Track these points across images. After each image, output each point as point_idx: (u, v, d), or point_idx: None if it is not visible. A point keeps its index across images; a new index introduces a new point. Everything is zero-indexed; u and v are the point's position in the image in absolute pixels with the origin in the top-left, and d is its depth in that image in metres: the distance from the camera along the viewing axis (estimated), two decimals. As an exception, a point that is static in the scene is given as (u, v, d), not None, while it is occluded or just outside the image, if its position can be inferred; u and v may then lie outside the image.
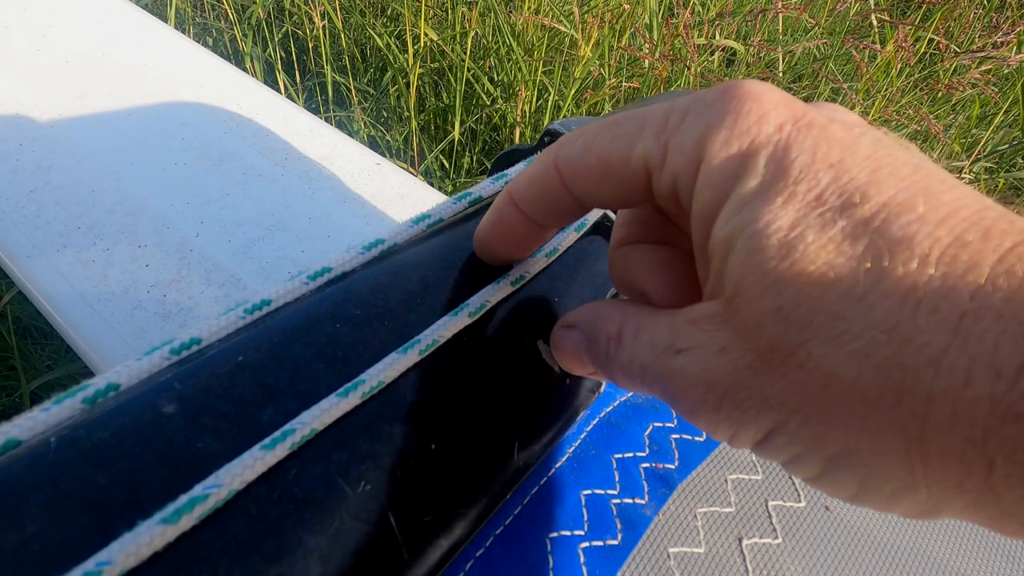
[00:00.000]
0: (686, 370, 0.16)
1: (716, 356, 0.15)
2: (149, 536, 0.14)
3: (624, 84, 1.17)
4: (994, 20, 1.46)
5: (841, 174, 0.14)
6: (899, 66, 1.13)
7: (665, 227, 0.20)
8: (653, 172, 0.17)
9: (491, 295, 0.22)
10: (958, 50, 1.22)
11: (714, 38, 1.23)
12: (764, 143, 0.15)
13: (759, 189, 0.15)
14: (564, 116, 1.17)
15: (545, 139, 0.29)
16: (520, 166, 0.28)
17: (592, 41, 1.08)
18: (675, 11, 1.21)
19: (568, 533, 0.21)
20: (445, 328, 0.21)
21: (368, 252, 0.22)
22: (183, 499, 0.14)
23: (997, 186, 1.25)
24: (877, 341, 0.13)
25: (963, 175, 1.12)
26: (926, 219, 0.13)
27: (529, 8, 1.21)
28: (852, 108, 1.19)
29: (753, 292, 0.14)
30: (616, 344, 0.18)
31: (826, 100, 1.35)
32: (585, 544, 0.21)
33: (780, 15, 1.31)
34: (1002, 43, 1.15)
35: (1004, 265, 0.12)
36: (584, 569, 0.20)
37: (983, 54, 1.10)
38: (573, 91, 1.13)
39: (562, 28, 1.09)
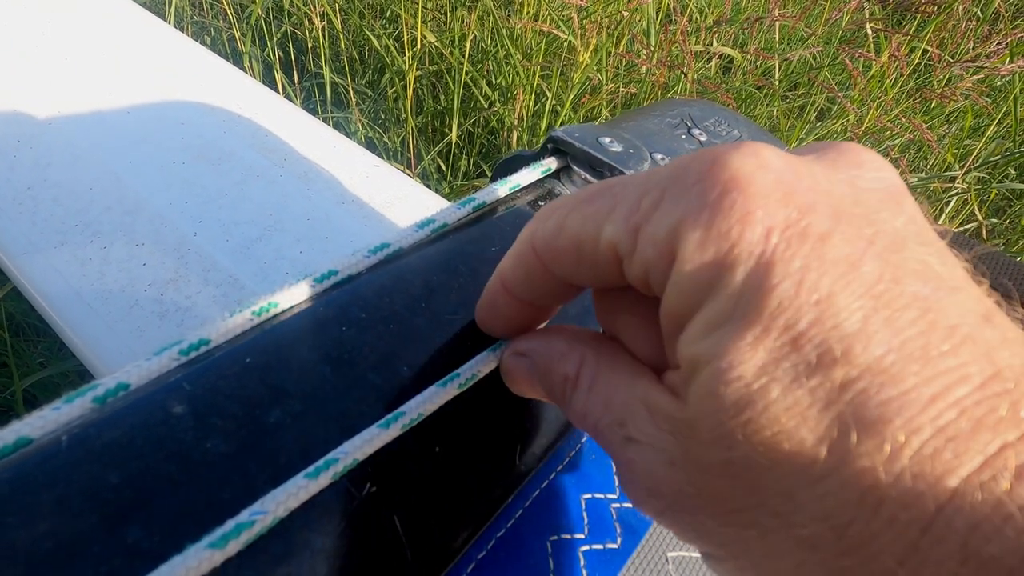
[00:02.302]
0: (633, 464, 0.15)
1: (664, 467, 0.14)
2: (197, 560, 0.14)
3: (622, 89, 1.17)
4: (986, 31, 1.47)
5: (826, 316, 0.12)
6: (893, 76, 1.14)
7: None
8: (623, 259, 0.15)
9: None
10: (951, 60, 1.23)
11: (711, 45, 1.24)
12: (744, 255, 0.12)
13: (731, 315, 0.12)
14: (561, 120, 1.17)
15: (548, 146, 0.30)
16: (523, 172, 0.28)
17: (591, 48, 1.08)
18: (673, 18, 1.22)
19: (569, 536, 0.21)
20: (484, 363, 0.20)
21: (374, 255, 0.22)
22: (230, 524, 0.15)
23: (989, 196, 1.26)
24: (825, 537, 0.11)
25: (956, 184, 1.13)
26: (911, 398, 0.11)
27: (528, 13, 1.22)
28: (847, 117, 1.20)
29: (706, 437, 0.13)
30: (572, 388, 0.17)
31: (821, 110, 1.36)
32: (585, 547, 0.21)
33: (777, 23, 1.32)
34: (994, 53, 1.16)
35: (983, 475, 0.11)
36: (584, 572, 0.21)
37: (976, 64, 1.11)
38: (571, 96, 1.14)
39: (560, 34, 1.10)
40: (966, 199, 1.19)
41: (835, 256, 0.12)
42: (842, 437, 0.11)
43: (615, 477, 0.23)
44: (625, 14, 1.13)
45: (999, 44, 1.20)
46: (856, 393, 0.11)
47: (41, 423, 0.15)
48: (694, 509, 0.14)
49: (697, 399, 0.13)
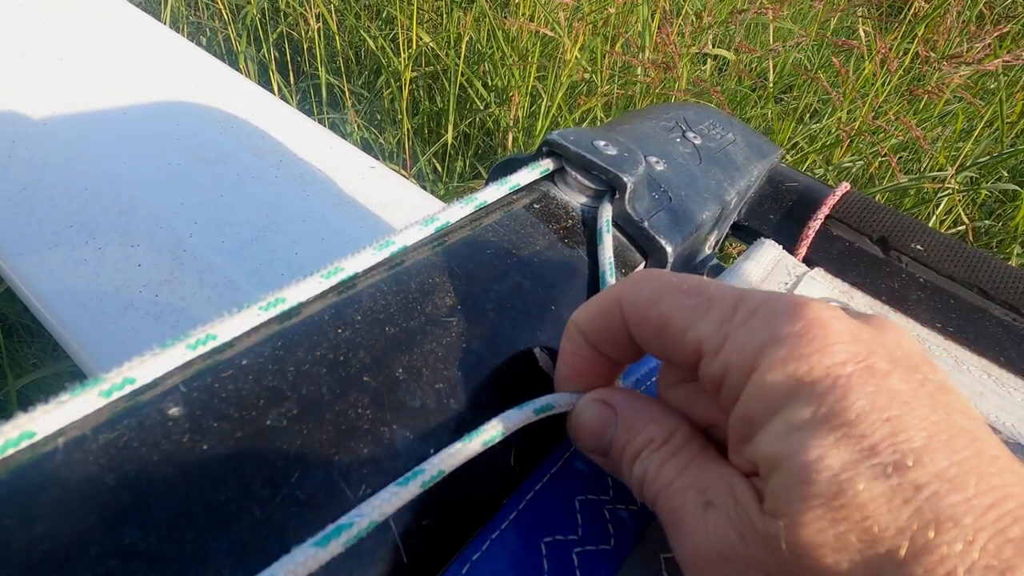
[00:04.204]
0: (709, 528, 0.16)
1: (736, 538, 0.16)
2: (304, 557, 0.15)
3: (616, 91, 1.18)
4: (973, 31, 1.48)
5: (898, 431, 0.14)
6: (883, 77, 1.15)
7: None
8: (705, 355, 0.17)
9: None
10: (941, 57, 1.24)
11: (705, 45, 1.24)
12: (823, 376, 0.15)
13: (812, 420, 0.15)
14: (555, 120, 1.18)
15: (543, 149, 0.30)
16: (521, 172, 0.28)
17: (579, 44, 1.09)
18: (668, 19, 1.22)
19: (563, 538, 0.21)
20: (511, 421, 0.20)
21: (380, 252, 0.23)
22: (330, 528, 0.16)
23: (980, 197, 1.27)
24: None
25: (947, 185, 1.14)
26: (974, 503, 0.13)
27: (523, 14, 1.22)
28: (839, 115, 1.20)
29: (792, 521, 0.14)
30: (653, 449, 0.19)
31: (813, 111, 1.36)
32: (579, 548, 0.21)
33: (770, 23, 1.33)
34: (980, 51, 1.16)
35: None
36: (578, 573, 0.21)
37: (963, 60, 1.11)
38: (560, 93, 1.14)
39: (550, 32, 1.10)
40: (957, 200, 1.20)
41: (898, 388, 0.15)
42: (922, 528, 0.13)
43: (609, 478, 0.23)
44: (611, 11, 1.13)
45: (986, 43, 1.21)
46: (930, 494, 0.13)
47: (45, 418, 0.15)
48: None
49: (785, 488, 0.15)
